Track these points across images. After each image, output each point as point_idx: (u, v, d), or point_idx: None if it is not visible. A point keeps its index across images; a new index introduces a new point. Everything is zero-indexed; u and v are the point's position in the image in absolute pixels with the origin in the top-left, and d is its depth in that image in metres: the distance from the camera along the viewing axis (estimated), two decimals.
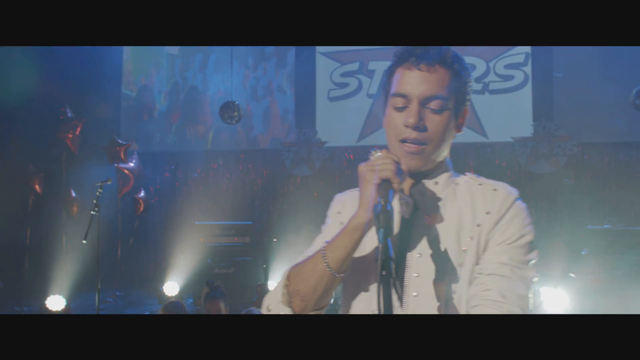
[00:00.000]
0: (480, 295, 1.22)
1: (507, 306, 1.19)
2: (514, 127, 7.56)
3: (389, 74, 1.33)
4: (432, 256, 1.25)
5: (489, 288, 1.21)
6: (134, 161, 8.18)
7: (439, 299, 1.23)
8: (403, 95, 1.27)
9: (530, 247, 1.27)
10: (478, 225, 1.26)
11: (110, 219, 7.05)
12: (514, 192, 1.30)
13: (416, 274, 1.26)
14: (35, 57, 6.68)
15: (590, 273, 5.54)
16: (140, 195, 8.11)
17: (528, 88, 7.60)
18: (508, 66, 7.68)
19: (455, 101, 1.29)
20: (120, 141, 7.84)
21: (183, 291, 6.59)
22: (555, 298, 5.61)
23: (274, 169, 8.57)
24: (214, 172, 8.75)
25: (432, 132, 1.26)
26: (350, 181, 8.13)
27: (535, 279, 1.27)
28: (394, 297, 1.06)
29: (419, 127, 1.25)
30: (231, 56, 8.67)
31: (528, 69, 7.61)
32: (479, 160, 7.68)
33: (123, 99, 9.24)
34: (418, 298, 1.24)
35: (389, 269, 1.02)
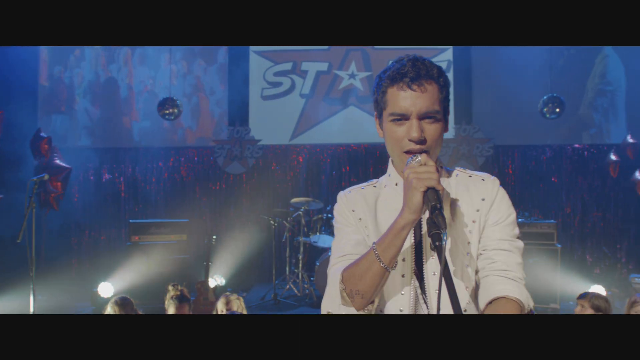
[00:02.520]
0: (488, 267, 1.49)
1: (511, 273, 1.46)
2: None
3: (381, 92, 1.52)
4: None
5: (494, 260, 1.49)
6: (55, 156, 7.71)
7: (455, 273, 1.49)
8: (402, 115, 1.47)
9: (516, 223, 1.57)
10: (477, 210, 1.54)
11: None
12: (496, 180, 1.60)
13: (434, 255, 1.49)
14: None
15: None
16: (53, 190, 7.64)
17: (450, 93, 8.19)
18: None
19: (443, 108, 1.52)
20: (43, 135, 7.38)
21: (121, 292, 6.37)
22: None
23: (206, 166, 8.50)
24: (142, 168, 8.48)
25: (431, 140, 1.48)
26: (282, 179, 8.27)
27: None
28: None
29: (421, 139, 1.46)
30: (159, 50, 8.48)
31: (450, 75, 8.20)
32: None
33: (40, 91, 8.68)
34: (437, 275, 1.48)
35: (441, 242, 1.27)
